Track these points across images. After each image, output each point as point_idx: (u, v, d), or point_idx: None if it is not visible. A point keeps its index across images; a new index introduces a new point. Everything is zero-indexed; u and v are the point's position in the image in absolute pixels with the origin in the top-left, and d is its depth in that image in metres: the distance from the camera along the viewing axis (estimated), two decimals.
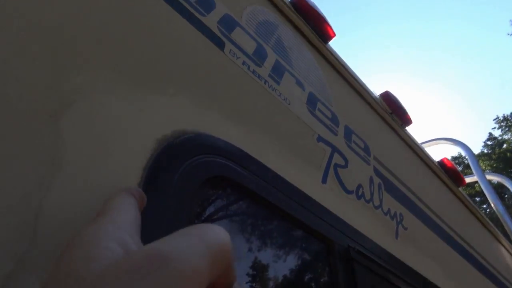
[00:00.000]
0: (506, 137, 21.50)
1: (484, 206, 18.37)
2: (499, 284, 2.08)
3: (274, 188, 0.83)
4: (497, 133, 22.65)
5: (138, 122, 0.65)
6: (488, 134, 22.55)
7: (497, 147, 21.03)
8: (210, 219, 0.72)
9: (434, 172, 2.03)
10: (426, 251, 1.47)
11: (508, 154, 20.07)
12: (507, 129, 21.52)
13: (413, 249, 1.37)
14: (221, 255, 0.33)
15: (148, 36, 0.76)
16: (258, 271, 0.80)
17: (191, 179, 0.67)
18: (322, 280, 0.97)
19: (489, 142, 21.71)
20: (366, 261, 0.95)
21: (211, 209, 0.73)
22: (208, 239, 0.35)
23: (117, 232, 0.37)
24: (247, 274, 0.77)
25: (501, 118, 21.92)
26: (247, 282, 0.75)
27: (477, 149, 22.11)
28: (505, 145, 20.96)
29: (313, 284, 0.95)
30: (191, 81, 0.81)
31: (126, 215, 0.44)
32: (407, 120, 1.95)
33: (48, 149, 0.51)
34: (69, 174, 0.51)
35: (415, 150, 1.93)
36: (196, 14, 0.92)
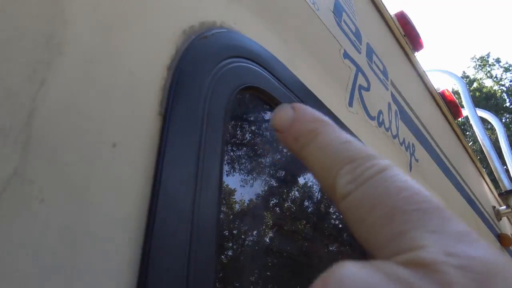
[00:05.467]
0: (478, 76, 21.73)
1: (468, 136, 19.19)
2: (480, 214, 2.15)
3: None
4: (471, 72, 22.86)
5: (163, 5, 0.47)
6: (462, 72, 22.72)
7: (467, 86, 21.35)
8: (242, 137, 0.59)
9: (437, 103, 1.95)
10: (431, 184, 1.43)
11: (477, 93, 20.47)
12: (480, 68, 21.70)
13: (422, 182, 1.32)
14: None
15: None
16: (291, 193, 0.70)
17: (225, 87, 0.51)
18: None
19: None
20: None
21: (242, 125, 0.59)
22: None
23: None
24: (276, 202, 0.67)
25: (477, 58, 21.99)
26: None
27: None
28: (475, 84, 21.27)
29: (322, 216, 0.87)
30: None
31: None
32: (418, 45, 1.81)
33: (45, 27, 0.34)
34: (71, 64, 0.35)
35: (423, 78, 1.82)
36: None
